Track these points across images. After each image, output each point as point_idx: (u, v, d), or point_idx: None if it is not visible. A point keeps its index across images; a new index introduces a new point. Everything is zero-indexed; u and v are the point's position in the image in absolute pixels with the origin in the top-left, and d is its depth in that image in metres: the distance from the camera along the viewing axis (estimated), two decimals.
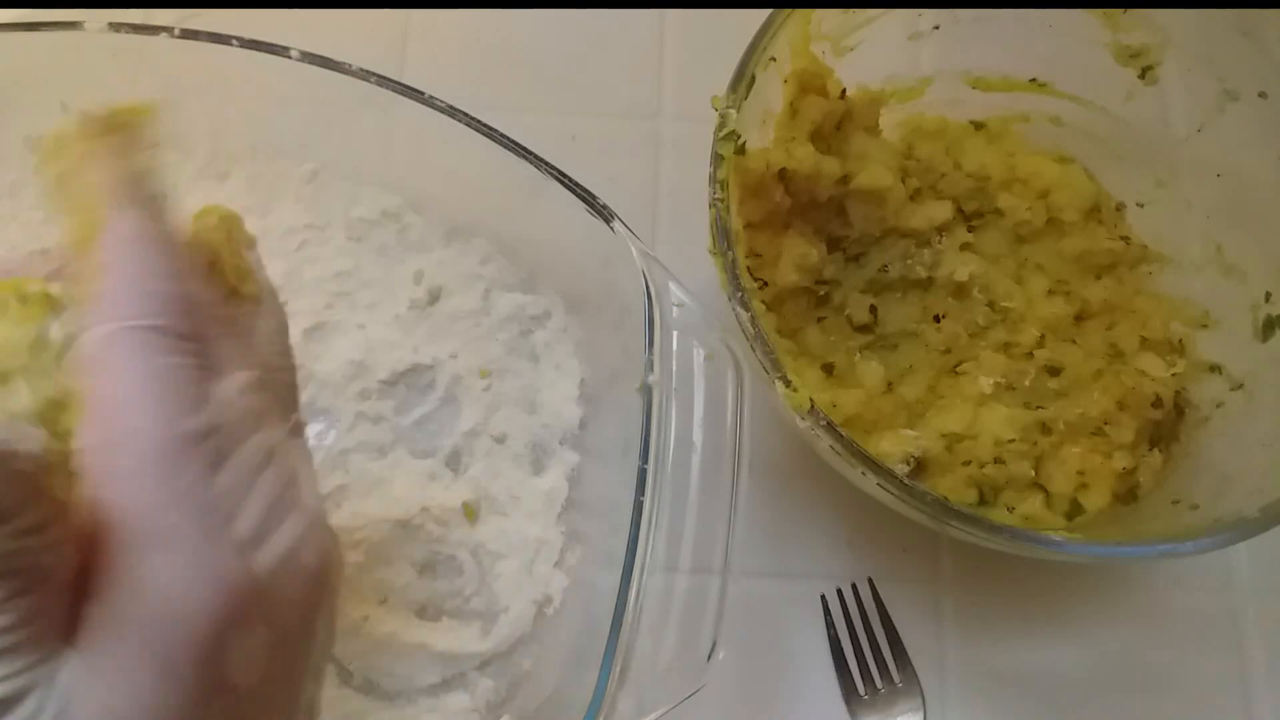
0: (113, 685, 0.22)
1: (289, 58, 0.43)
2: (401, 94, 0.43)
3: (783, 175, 0.46)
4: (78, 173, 0.27)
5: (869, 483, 0.41)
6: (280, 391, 0.30)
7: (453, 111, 0.43)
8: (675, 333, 0.39)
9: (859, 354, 0.50)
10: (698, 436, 0.39)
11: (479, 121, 0.43)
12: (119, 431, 0.24)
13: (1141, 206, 0.53)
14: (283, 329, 0.31)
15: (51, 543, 0.22)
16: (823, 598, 0.49)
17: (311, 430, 0.46)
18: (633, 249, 0.40)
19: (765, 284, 0.48)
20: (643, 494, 0.37)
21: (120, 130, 0.28)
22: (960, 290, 0.51)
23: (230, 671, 0.23)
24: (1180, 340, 0.50)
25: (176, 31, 0.43)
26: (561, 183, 0.42)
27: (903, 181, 0.50)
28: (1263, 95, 0.47)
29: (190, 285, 0.26)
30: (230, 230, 0.31)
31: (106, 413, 0.24)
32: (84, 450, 0.24)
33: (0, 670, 0.22)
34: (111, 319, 0.24)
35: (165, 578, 0.23)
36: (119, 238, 0.26)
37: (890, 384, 0.49)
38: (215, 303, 0.28)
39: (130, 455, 0.23)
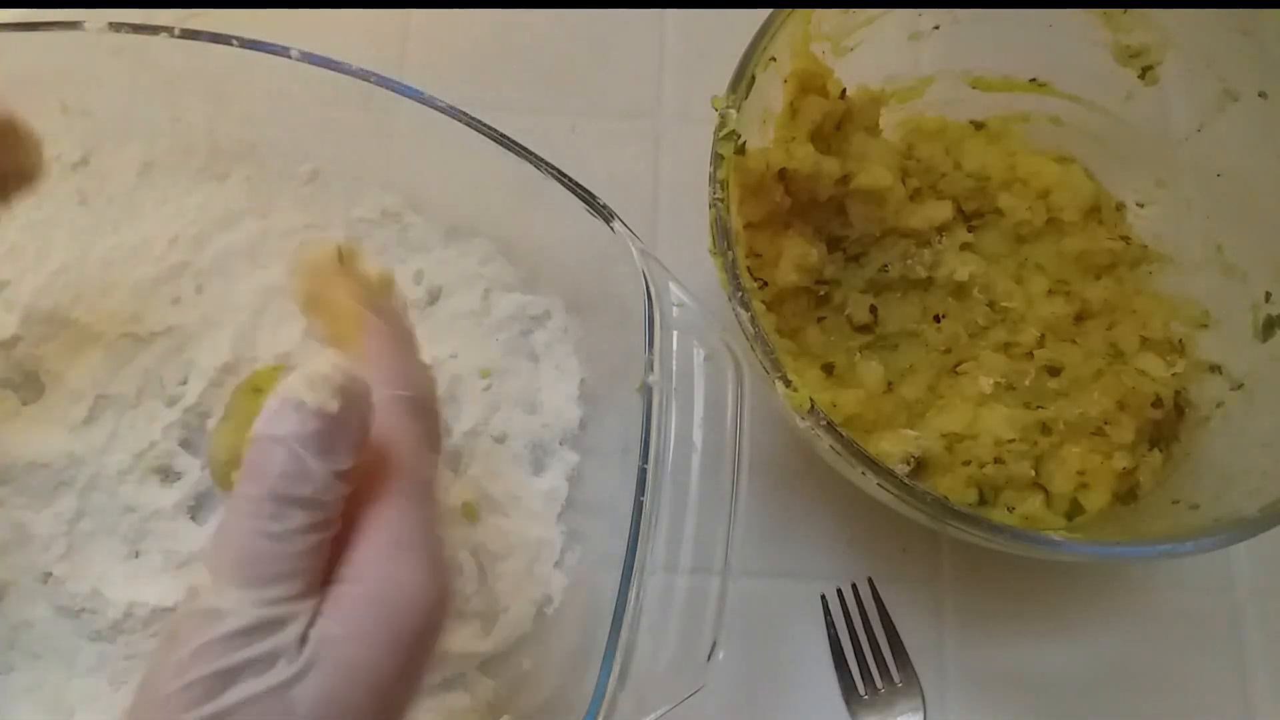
0: (358, 647, 0.27)
1: (289, 58, 0.43)
2: (401, 94, 0.43)
3: (783, 175, 0.46)
4: (331, 288, 0.34)
5: (869, 483, 0.41)
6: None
7: (453, 111, 0.43)
8: (675, 333, 0.39)
9: (859, 354, 0.50)
10: (698, 436, 0.39)
11: (479, 121, 0.43)
12: (391, 470, 0.30)
13: (1142, 206, 0.53)
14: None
15: (342, 500, 0.29)
16: (823, 598, 0.49)
17: None
18: (633, 249, 0.40)
19: (765, 284, 0.48)
20: (643, 494, 0.37)
21: (356, 257, 0.35)
22: (960, 290, 0.50)
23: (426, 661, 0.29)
24: (1180, 340, 0.50)
25: (177, 31, 0.44)
26: (561, 182, 0.42)
27: (903, 181, 0.50)
28: (1263, 95, 0.47)
29: (423, 367, 0.34)
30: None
31: (384, 454, 0.30)
32: (365, 478, 0.30)
33: (279, 591, 0.27)
34: (382, 388, 0.31)
35: (413, 574, 0.29)
36: (376, 332, 0.33)
37: (890, 384, 0.49)
38: (433, 380, 0.35)
39: (394, 483, 0.30)
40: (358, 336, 0.33)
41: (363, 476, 0.30)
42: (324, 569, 0.29)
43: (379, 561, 0.29)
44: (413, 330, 0.35)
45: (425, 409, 0.33)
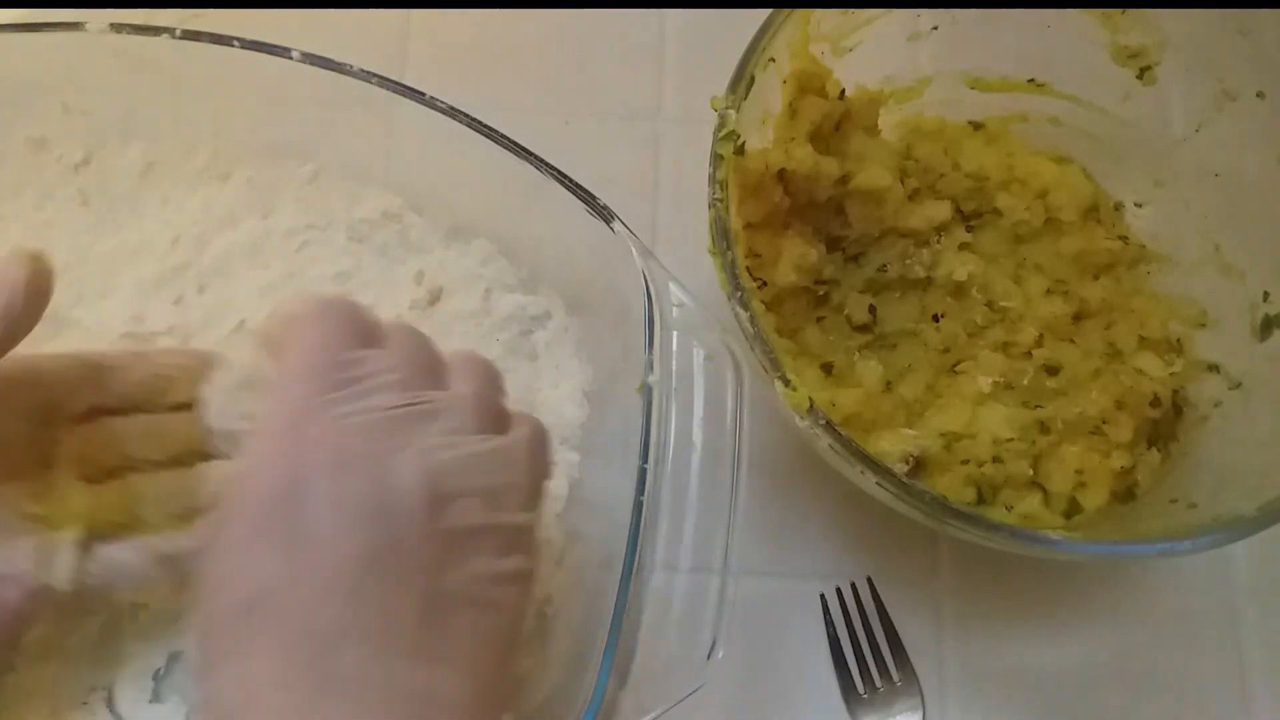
0: None
1: (290, 59, 0.43)
2: (402, 95, 0.43)
3: (782, 175, 0.46)
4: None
5: (868, 482, 0.41)
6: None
7: (453, 112, 0.43)
8: (675, 333, 0.39)
9: (858, 353, 0.50)
10: (697, 436, 0.39)
11: (480, 122, 0.43)
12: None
13: (1140, 206, 0.53)
14: None
15: None
16: (822, 597, 0.49)
17: None
18: (633, 249, 0.40)
19: (764, 284, 0.48)
20: (642, 493, 0.37)
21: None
22: (959, 290, 0.51)
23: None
24: (1178, 340, 0.50)
25: (178, 32, 0.43)
26: (562, 183, 0.42)
27: (901, 182, 0.50)
28: (1260, 95, 0.47)
29: None
30: None
31: None
32: None
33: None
34: None
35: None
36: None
37: (889, 383, 0.49)
38: None
39: None
40: None
41: None
42: None
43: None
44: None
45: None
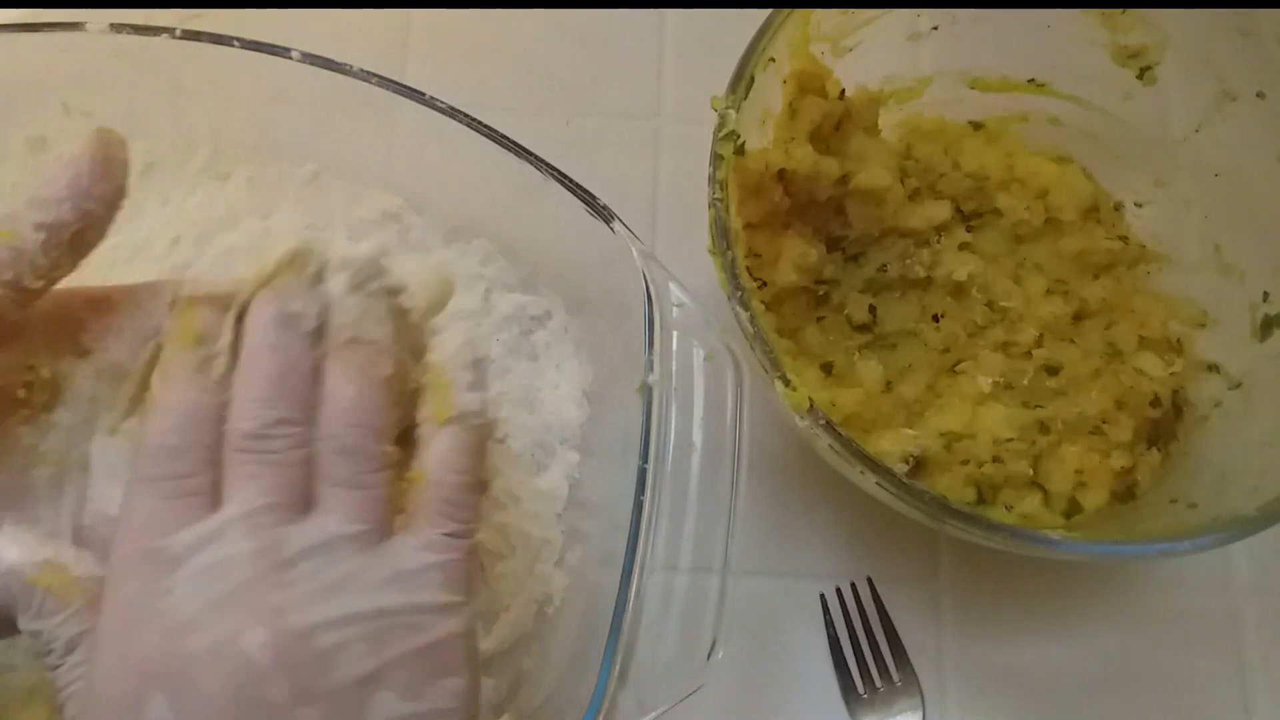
0: None
1: (290, 59, 0.43)
2: (402, 95, 0.43)
3: (782, 175, 0.46)
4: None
5: (868, 482, 0.41)
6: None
7: (453, 112, 0.43)
8: (675, 333, 0.39)
9: (858, 353, 0.50)
10: (697, 436, 0.39)
11: (479, 122, 0.43)
12: None
13: (1140, 206, 0.53)
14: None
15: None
16: (822, 597, 0.49)
17: None
18: (633, 249, 0.40)
19: (764, 284, 0.48)
20: (642, 493, 0.37)
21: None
22: (959, 290, 0.50)
23: None
24: (1178, 340, 0.50)
25: (178, 32, 0.43)
26: (561, 183, 0.42)
27: (901, 182, 0.50)
28: (1260, 95, 0.47)
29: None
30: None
31: None
32: None
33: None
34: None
35: None
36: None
37: (889, 383, 0.49)
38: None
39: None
40: None
41: None
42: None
43: None
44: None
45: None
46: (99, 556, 0.31)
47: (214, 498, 0.29)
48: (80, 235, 0.32)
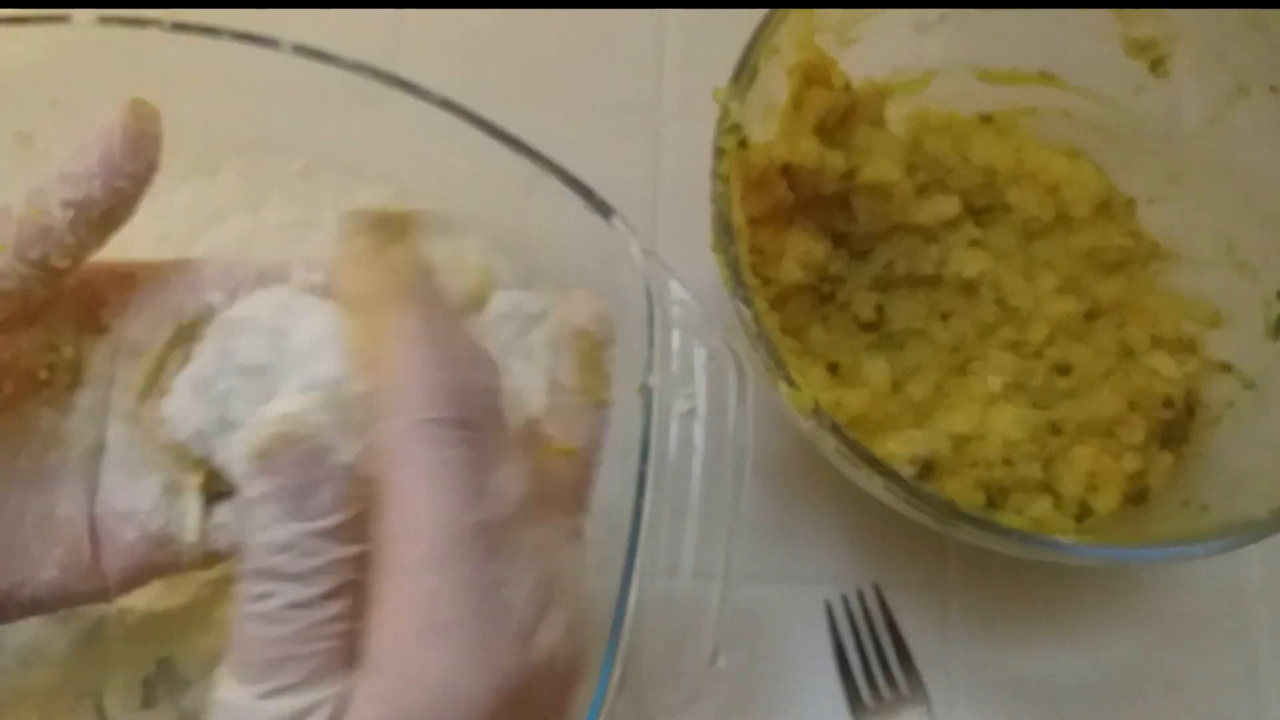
0: None
1: (281, 51, 0.42)
2: (396, 87, 0.42)
3: (786, 170, 0.46)
4: (354, 276, 0.29)
5: (875, 485, 0.41)
6: (564, 484, 0.31)
7: (448, 105, 0.42)
8: (676, 332, 0.39)
9: (864, 353, 0.50)
10: (699, 438, 0.38)
11: (475, 115, 0.42)
12: (408, 526, 0.25)
13: (1152, 202, 0.52)
14: (595, 427, 0.33)
15: (346, 563, 0.25)
16: (827, 604, 0.48)
17: None
18: (632, 246, 0.39)
19: (768, 281, 0.48)
20: (642, 496, 0.36)
21: (389, 228, 0.30)
22: (968, 288, 0.50)
23: None
24: (1191, 339, 0.50)
25: (167, 25, 0.43)
26: (560, 178, 0.41)
27: (909, 176, 0.50)
28: (1274, 89, 0.47)
29: (470, 373, 0.27)
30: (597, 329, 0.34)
31: (399, 505, 0.25)
32: (378, 539, 0.25)
33: (277, 681, 0.24)
34: (403, 414, 0.26)
35: (445, 666, 0.24)
36: (402, 335, 0.27)
37: (897, 383, 0.49)
38: (495, 390, 0.29)
39: (418, 548, 0.25)
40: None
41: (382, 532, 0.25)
42: (346, 648, 0.25)
43: (398, 655, 0.24)
44: (455, 321, 0.29)
45: (473, 428, 0.26)
46: (105, 551, 0.31)
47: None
48: (110, 213, 0.31)
